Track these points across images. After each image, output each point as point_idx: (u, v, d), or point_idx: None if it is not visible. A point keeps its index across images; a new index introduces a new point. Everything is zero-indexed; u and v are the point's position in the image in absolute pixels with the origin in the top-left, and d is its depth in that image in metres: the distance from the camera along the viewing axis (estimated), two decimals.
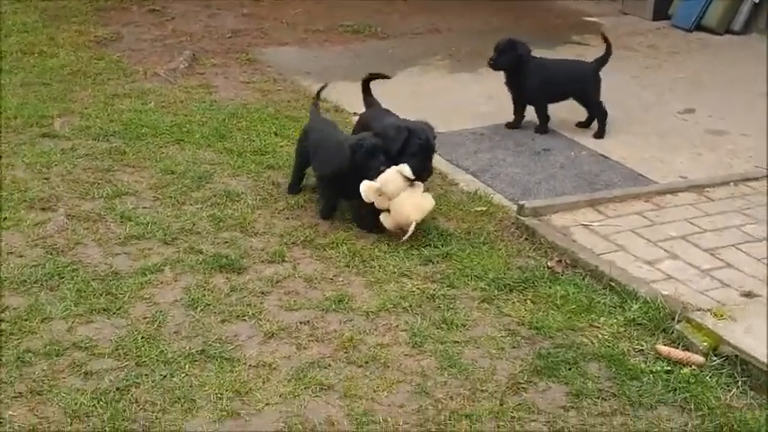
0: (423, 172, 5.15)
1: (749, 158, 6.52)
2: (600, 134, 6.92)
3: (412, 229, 4.94)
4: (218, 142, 6.34)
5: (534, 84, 6.86)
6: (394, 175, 5.00)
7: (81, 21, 9.25)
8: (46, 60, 7.95)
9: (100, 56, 8.20)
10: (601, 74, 6.88)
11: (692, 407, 3.76)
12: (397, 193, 4.99)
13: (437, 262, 4.91)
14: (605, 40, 6.90)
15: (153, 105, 7.00)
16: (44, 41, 8.47)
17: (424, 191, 5.21)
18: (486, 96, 7.57)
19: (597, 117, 6.97)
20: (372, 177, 5.02)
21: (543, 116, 7.01)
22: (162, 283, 4.54)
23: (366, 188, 4.97)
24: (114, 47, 8.54)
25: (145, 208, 5.31)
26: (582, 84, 6.92)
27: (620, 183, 6.13)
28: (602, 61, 6.88)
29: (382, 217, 5.07)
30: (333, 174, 5.19)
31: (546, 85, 6.88)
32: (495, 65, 6.90)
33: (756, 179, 5.93)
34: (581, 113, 7.06)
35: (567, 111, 7.08)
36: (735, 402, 3.78)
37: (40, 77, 7.48)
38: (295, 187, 5.63)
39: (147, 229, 5.01)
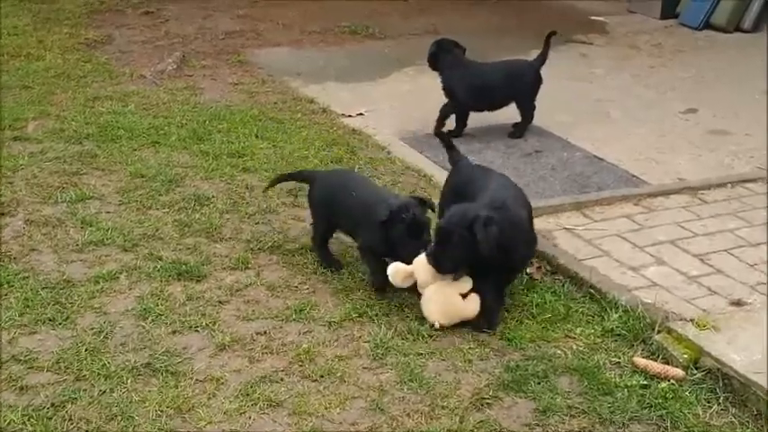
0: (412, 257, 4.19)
1: (751, 159, 6.23)
2: (519, 134, 6.64)
3: (437, 325, 4.11)
4: (194, 144, 6.13)
5: (463, 88, 6.52)
6: (425, 265, 4.11)
7: (73, 23, 9.11)
8: (32, 63, 7.80)
9: (87, 58, 8.05)
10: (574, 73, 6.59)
11: (668, 425, 3.48)
12: (425, 285, 4.15)
13: None
14: (547, 39, 6.57)
15: (133, 108, 6.82)
16: (33, 44, 8.33)
17: None
18: None
19: (524, 116, 6.68)
20: (407, 257, 4.19)
21: (460, 119, 6.64)
22: (115, 291, 4.33)
23: (394, 272, 4.19)
24: (104, 49, 8.38)
25: (108, 213, 5.11)
26: (523, 85, 6.59)
27: (613, 185, 5.86)
28: (542, 60, 6.58)
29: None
30: (366, 246, 4.41)
31: (480, 90, 6.54)
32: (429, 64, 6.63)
33: (754, 181, 5.64)
34: (579, 115, 6.80)
35: (563, 111, 6.83)
36: (714, 420, 3.50)
37: (23, 80, 7.32)
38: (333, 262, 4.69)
39: (107, 235, 4.81)
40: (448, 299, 4.11)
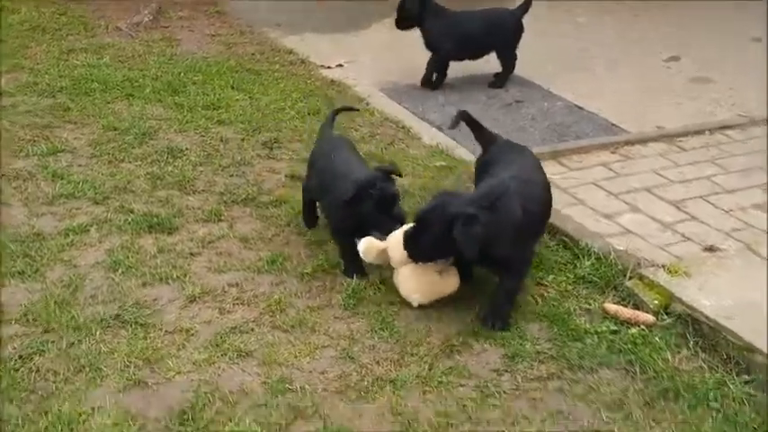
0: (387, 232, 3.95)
1: (732, 107, 6.19)
2: (500, 84, 6.57)
3: (416, 304, 3.90)
4: (169, 97, 6.06)
5: (443, 38, 6.41)
6: (400, 242, 3.82)
7: None
8: (6, 17, 7.65)
9: (63, 11, 7.91)
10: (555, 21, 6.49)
11: (637, 370, 3.48)
12: (400, 264, 3.91)
13: None
14: None
15: (108, 60, 6.72)
16: None
17: None
18: None
19: (505, 66, 6.61)
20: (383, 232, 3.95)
21: (440, 70, 6.55)
22: (85, 244, 4.29)
23: (366, 249, 3.94)
24: (79, 2, 8.21)
25: (80, 166, 5.05)
26: (504, 34, 6.50)
27: (592, 134, 5.82)
28: (524, 9, 6.48)
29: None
30: (335, 227, 4.17)
31: (460, 39, 6.43)
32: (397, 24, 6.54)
33: (733, 127, 5.58)
34: (562, 65, 6.73)
35: (546, 61, 6.77)
36: (683, 365, 3.50)
37: None
38: (310, 221, 4.50)
39: (78, 188, 4.75)
40: (425, 277, 3.86)
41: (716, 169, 5.06)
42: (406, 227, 3.83)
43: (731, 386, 3.34)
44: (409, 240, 3.75)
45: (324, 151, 4.36)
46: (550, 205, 4.06)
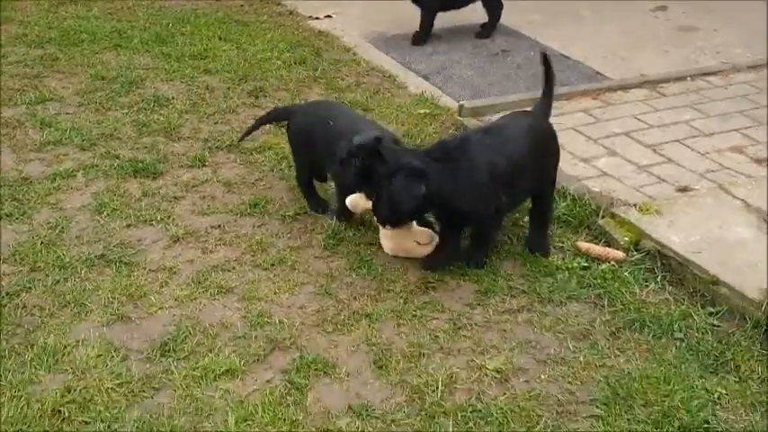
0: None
1: (717, 54, 6.21)
2: (487, 34, 6.60)
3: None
4: (156, 47, 6.12)
5: None
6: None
7: None
8: None
9: None
10: None
11: (605, 303, 3.58)
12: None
13: None
14: None
15: (97, 12, 6.79)
16: None
17: None
18: None
19: (491, 15, 6.63)
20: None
21: (427, 24, 6.53)
22: (72, 188, 4.38)
23: (353, 204, 3.96)
24: None
25: (67, 114, 5.13)
26: None
27: (576, 82, 5.85)
28: None
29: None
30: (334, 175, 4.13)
31: None
32: None
33: (714, 74, 5.63)
34: (548, 14, 6.75)
35: (532, 11, 6.79)
36: (650, 298, 3.60)
37: None
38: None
39: (66, 135, 4.84)
40: (403, 243, 3.88)
41: (695, 114, 5.12)
42: None
43: (695, 317, 3.44)
44: (375, 205, 3.70)
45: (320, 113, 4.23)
46: (535, 161, 3.80)
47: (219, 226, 4.14)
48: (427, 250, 3.89)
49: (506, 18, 6.73)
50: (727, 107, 5.21)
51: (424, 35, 6.60)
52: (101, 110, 5.19)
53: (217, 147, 4.84)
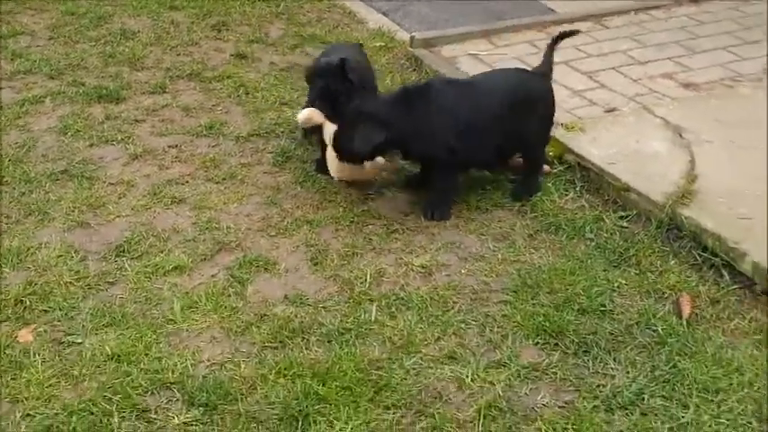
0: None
1: None
2: None
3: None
4: None
5: None
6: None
7: None
8: None
9: None
10: None
11: (527, 210, 3.89)
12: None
13: None
14: None
15: None
16: None
17: None
18: None
19: None
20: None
21: None
22: (39, 113, 4.66)
23: (305, 118, 4.00)
24: None
25: (38, 46, 5.39)
26: None
27: (525, 17, 6.10)
28: None
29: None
30: None
31: None
32: None
33: (657, 7, 5.89)
34: None
35: None
36: (568, 205, 3.91)
37: None
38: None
39: (35, 65, 5.11)
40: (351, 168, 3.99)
41: (633, 44, 5.40)
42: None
43: (606, 220, 3.76)
44: (337, 138, 3.83)
45: None
46: (510, 119, 3.81)
47: (176, 146, 4.43)
48: (371, 171, 4.05)
49: None
50: (665, 38, 5.49)
51: None
52: (69, 42, 5.45)
53: (178, 75, 5.12)
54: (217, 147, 4.45)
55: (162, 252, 3.63)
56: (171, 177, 4.16)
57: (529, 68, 4.33)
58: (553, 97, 4.02)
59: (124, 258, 3.58)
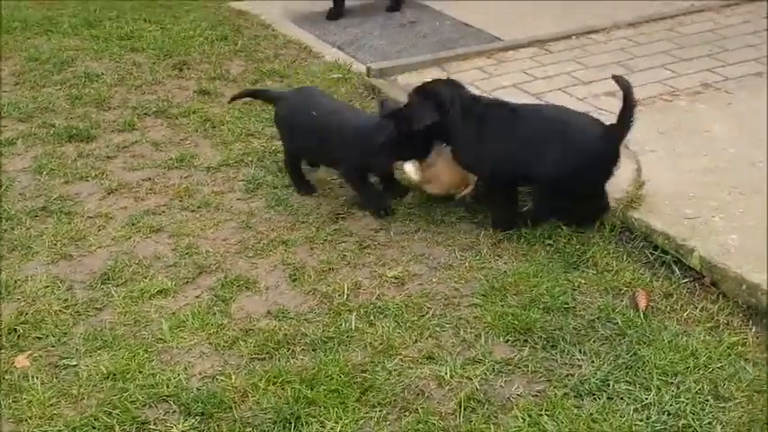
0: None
1: (605, 16, 6.79)
2: (397, 7, 7.18)
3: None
4: (85, 30, 6.54)
5: None
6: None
7: None
8: None
9: None
10: None
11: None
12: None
13: None
14: None
15: (27, 2, 7.12)
16: None
17: None
18: None
19: None
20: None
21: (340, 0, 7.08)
22: (13, 154, 4.80)
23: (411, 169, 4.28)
24: None
25: (5, 92, 5.53)
26: None
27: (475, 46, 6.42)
28: None
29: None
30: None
31: None
32: None
33: (597, 31, 6.25)
34: None
35: None
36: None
37: None
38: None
39: (5, 110, 5.25)
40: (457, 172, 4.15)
41: (576, 66, 5.74)
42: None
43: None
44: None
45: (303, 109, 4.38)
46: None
47: (149, 179, 4.60)
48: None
49: None
50: (606, 59, 5.84)
51: (337, 10, 7.12)
52: (36, 87, 5.61)
53: (145, 113, 5.30)
54: (189, 177, 4.63)
55: (146, 278, 3.79)
56: (147, 208, 4.33)
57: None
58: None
59: (110, 285, 3.73)
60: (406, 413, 3.03)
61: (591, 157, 3.81)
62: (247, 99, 5.20)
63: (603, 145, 3.83)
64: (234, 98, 4.99)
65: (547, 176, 3.81)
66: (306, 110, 4.34)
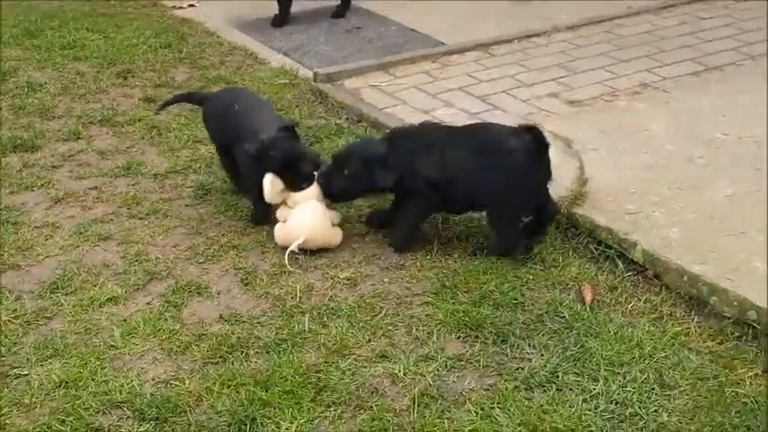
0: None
1: (545, 21, 6.92)
2: (342, 13, 7.23)
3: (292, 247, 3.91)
4: (27, 41, 6.45)
5: None
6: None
7: None
8: None
9: None
10: None
11: (440, 222, 4.19)
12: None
13: None
14: None
15: None
16: None
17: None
18: None
19: None
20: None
21: (285, 7, 7.10)
22: None
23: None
24: None
25: None
26: None
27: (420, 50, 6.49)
28: None
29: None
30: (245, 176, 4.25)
31: None
32: None
33: (538, 35, 6.38)
34: None
35: None
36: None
37: None
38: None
39: None
40: (322, 220, 3.98)
41: (519, 69, 5.85)
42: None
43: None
44: (325, 179, 3.95)
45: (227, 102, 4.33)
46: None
47: (96, 187, 4.57)
48: (338, 234, 4.02)
49: None
50: (548, 62, 5.96)
51: (282, 17, 7.14)
52: None
53: (90, 122, 5.26)
54: (136, 185, 4.60)
55: (95, 286, 3.76)
56: (95, 217, 4.29)
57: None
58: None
59: (59, 294, 3.70)
60: (361, 411, 3.06)
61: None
62: (195, 106, 5.18)
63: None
64: (163, 106, 4.86)
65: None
66: (230, 108, 4.23)
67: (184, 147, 5.00)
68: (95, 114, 5.33)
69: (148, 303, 3.65)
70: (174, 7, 7.37)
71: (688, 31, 6.44)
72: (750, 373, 3.19)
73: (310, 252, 3.99)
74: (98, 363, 3.28)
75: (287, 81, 5.91)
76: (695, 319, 3.49)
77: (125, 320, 3.53)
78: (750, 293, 3.43)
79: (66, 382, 3.16)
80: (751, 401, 3.06)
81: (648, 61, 5.88)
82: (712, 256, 3.68)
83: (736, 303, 3.43)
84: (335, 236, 4.05)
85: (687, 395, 3.12)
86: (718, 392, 3.11)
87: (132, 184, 4.60)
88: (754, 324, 3.37)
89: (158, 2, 7.45)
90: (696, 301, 3.56)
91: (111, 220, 4.28)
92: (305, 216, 3.95)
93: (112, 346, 3.38)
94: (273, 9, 7.14)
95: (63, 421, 2.98)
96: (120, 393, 3.12)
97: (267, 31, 7.04)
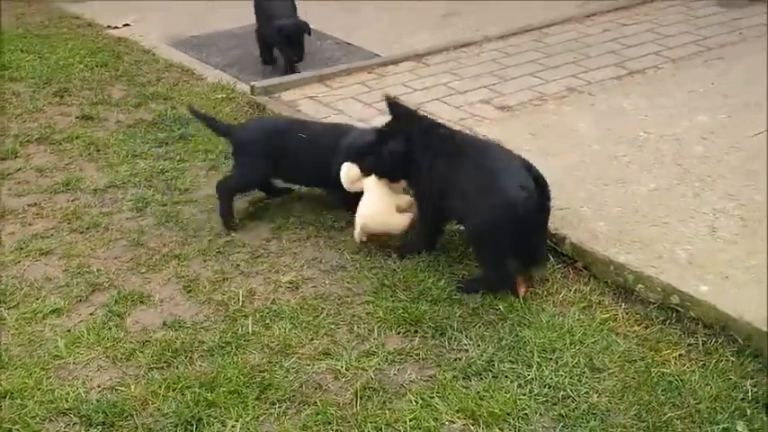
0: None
1: (476, 33, 7.12)
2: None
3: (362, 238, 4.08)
4: None
5: None
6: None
7: None
8: None
9: None
10: None
11: None
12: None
13: (171, 143, 5.26)
14: None
15: None
16: None
17: None
18: None
19: None
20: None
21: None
22: None
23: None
24: None
25: None
26: None
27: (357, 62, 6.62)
28: None
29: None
30: None
31: None
32: None
33: (469, 45, 6.57)
34: (332, 8, 7.49)
35: (320, 4, 7.49)
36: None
37: None
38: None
39: None
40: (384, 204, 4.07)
41: (452, 77, 6.02)
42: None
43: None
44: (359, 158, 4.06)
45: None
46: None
47: (35, 204, 4.59)
48: (404, 219, 4.05)
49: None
50: (479, 70, 6.15)
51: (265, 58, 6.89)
52: None
53: (27, 141, 5.26)
54: (76, 201, 4.63)
55: (38, 299, 3.79)
56: (35, 232, 4.31)
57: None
58: None
59: (1, 308, 3.72)
60: (305, 407, 3.15)
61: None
62: (132, 122, 5.24)
63: None
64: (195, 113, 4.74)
65: None
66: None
67: (123, 162, 5.04)
68: (33, 133, 5.34)
69: (92, 314, 3.69)
70: (109, 27, 7.39)
71: (611, 37, 6.70)
72: (674, 354, 3.36)
73: (251, 258, 4.07)
74: (43, 373, 3.31)
75: (224, 95, 5.98)
76: (622, 306, 3.66)
77: (69, 331, 3.56)
78: (673, 279, 3.62)
79: (12, 393, 3.18)
80: (676, 380, 3.23)
81: (574, 67, 6.11)
82: (637, 246, 3.86)
83: (660, 289, 3.61)
84: (396, 222, 4.05)
85: (616, 377, 3.27)
86: (645, 373, 3.27)
87: (72, 200, 4.63)
88: (678, 308, 3.55)
89: (93, 22, 7.45)
90: (623, 289, 3.73)
91: (52, 234, 4.30)
92: (361, 204, 4.08)
93: (57, 356, 3.41)
94: (209, 27, 7.20)
95: (9, 430, 3.00)
96: (67, 401, 3.15)
97: (202, 48, 7.10)
